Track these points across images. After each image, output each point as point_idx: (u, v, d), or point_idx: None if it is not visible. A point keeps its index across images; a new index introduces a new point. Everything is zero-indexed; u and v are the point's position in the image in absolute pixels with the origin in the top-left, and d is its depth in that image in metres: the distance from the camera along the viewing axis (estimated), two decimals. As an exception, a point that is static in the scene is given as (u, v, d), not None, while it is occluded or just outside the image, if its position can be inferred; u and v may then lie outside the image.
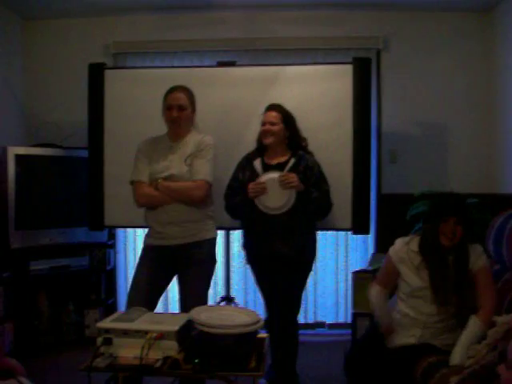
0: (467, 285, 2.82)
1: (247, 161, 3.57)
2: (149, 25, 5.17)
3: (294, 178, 3.36)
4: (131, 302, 3.10)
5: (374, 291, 3.07)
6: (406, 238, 3.04)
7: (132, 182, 3.30)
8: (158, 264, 3.23)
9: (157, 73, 4.38)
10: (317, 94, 4.10)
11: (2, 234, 4.38)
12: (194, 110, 3.35)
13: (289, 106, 3.56)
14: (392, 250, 3.03)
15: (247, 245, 3.64)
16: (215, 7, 5.02)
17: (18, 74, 5.22)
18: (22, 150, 4.54)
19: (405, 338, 2.91)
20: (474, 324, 2.71)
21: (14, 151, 4.43)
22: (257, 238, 3.51)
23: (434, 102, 5.07)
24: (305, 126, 3.63)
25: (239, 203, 3.49)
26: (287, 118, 3.51)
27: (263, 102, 3.67)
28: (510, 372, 1.87)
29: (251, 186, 3.39)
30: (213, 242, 3.34)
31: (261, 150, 3.58)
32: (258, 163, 3.51)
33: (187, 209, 3.18)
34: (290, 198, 3.38)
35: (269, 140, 3.47)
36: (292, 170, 3.44)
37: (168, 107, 3.27)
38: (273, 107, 3.53)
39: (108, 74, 4.27)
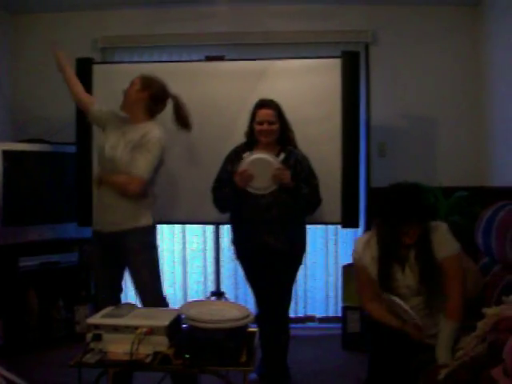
0: (433, 275, 2.73)
1: (236, 154, 3.56)
2: (137, 19, 5.14)
3: (287, 175, 3.37)
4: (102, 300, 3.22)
5: (373, 308, 2.88)
6: (364, 238, 2.94)
7: None
8: (104, 252, 3.29)
9: (145, 67, 4.31)
10: (306, 87, 4.10)
11: (-10, 231, 4.35)
12: (147, 93, 3.28)
13: (278, 100, 3.54)
14: (356, 255, 2.89)
15: (236, 240, 3.63)
16: (204, 1, 4.99)
17: (6, 68, 5.18)
18: (10, 146, 4.51)
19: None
20: (444, 324, 2.66)
21: (1, 147, 4.40)
22: (246, 232, 3.50)
23: (423, 96, 5.07)
24: (293, 120, 3.62)
25: (228, 194, 3.48)
26: (280, 114, 3.51)
27: (252, 97, 3.67)
28: (508, 380, 1.87)
29: (237, 175, 3.39)
30: (147, 230, 3.27)
31: (250, 144, 3.57)
32: (247, 156, 3.50)
33: (119, 196, 3.17)
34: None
35: (268, 139, 3.46)
36: (282, 164, 3.44)
37: None
38: (268, 104, 3.50)
39: (96, 68, 4.26)
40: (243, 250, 3.61)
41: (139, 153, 3.14)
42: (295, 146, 3.60)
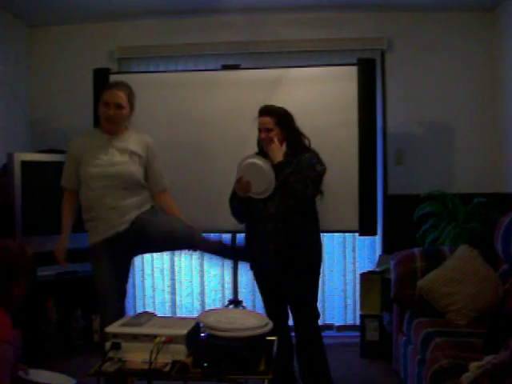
0: None
1: None
2: (152, 29, 5.18)
3: (276, 145, 3.26)
4: None
5: None
6: None
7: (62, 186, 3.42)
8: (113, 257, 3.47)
9: (162, 77, 4.40)
10: (322, 95, 4.10)
11: (9, 240, 4.38)
12: (132, 109, 3.32)
13: (294, 108, 3.48)
14: None
15: (249, 251, 3.48)
16: (218, 11, 5.00)
17: (23, 80, 5.23)
18: (28, 157, 4.54)
19: None
20: None
21: (19, 157, 4.43)
22: (258, 244, 3.36)
23: (439, 102, 5.05)
24: (310, 127, 3.60)
25: (237, 206, 3.42)
26: (281, 120, 3.34)
27: (268, 105, 3.66)
28: None
29: (236, 186, 3.32)
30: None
31: (262, 152, 3.44)
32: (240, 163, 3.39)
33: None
34: (270, 182, 3.24)
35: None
36: (285, 164, 3.27)
37: (105, 104, 3.21)
38: (265, 112, 3.36)
39: (113, 78, 4.27)
40: (257, 261, 3.46)
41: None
42: (309, 150, 3.39)
